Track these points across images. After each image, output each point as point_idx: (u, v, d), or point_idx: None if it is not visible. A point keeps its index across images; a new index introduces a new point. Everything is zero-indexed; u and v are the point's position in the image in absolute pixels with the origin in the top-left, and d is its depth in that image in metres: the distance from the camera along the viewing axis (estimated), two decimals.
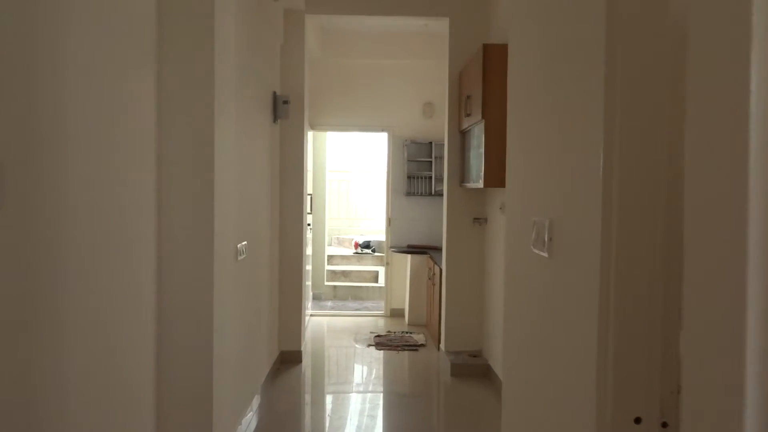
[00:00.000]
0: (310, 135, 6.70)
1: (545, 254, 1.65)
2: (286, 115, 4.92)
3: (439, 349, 5.74)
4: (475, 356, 5.25)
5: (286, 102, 4.87)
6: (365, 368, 5.56)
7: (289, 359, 5.29)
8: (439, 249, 6.55)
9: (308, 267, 6.45)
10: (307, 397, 4.80)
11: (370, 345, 6.04)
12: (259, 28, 4.06)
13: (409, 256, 7.02)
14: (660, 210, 1.28)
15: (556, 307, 1.62)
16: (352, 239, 9.93)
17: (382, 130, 7.40)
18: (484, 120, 4.27)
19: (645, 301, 1.29)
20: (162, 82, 2.26)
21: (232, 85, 2.66)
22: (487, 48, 4.29)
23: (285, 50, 5.17)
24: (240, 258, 3.26)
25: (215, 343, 2.35)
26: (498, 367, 4.74)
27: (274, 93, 4.81)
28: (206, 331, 2.32)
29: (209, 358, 2.33)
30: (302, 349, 5.43)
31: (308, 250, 6.35)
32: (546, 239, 1.63)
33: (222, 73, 2.42)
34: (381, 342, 6.09)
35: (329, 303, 8.28)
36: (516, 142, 2.10)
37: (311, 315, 7.16)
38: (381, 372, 5.46)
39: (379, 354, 5.80)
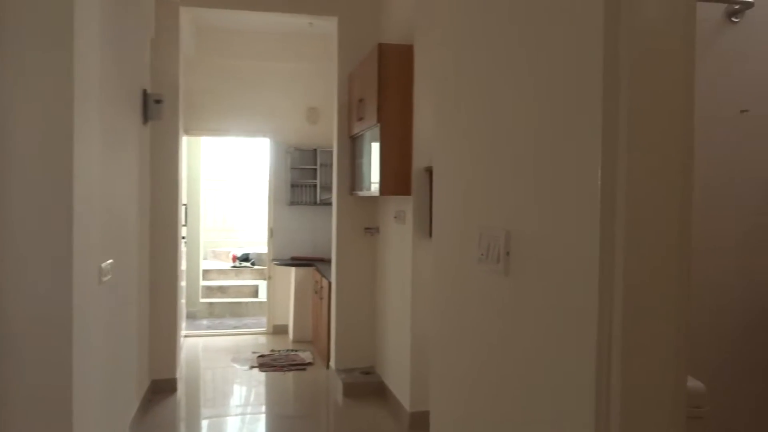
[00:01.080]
0: (183, 140, 6.13)
1: (500, 273, 1.38)
2: (158, 116, 4.38)
3: (328, 367, 5.39)
4: (367, 373, 4.96)
5: (158, 101, 4.34)
6: (248, 392, 5.09)
7: (162, 389, 4.71)
8: (325, 261, 6.21)
9: (182, 283, 5.88)
10: (183, 430, 4.27)
11: (252, 366, 5.57)
12: (125, 17, 3.54)
13: (293, 268, 6.62)
14: (676, 224, 1.05)
15: (518, 343, 1.35)
16: (230, 252, 9.33)
17: (264, 136, 6.96)
18: (379, 124, 4.01)
19: (662, 345, 1.06)
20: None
21: (94, 72, 2.19)
22: (383, 48, 4.04)
23: (157, 45, 4.63)
24: (104, 279, 2.74)
25: (75, 392, 1.87)
26: (393, 384, 4.49)
27: (144, 91, 4.27)
28: (63, 376, 1.83)
29: (67, 410, 1.85)
30: (177, 376, 4.87)
31: (182, 265, 5.78)
32: (501, 254, 1.36)
33: (83, 61, 1.96)
34: (265, 363, 5.64)
35: (205, 321, 7.66)
36: (448, 137, 1.82)
37: (185, 336, 6.55)
38: (265, 395, 5.02)
39: (262, 376, 5.35)
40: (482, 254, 1.45)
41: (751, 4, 2.27)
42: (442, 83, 1.87)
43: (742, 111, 2.30)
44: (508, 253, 1.35)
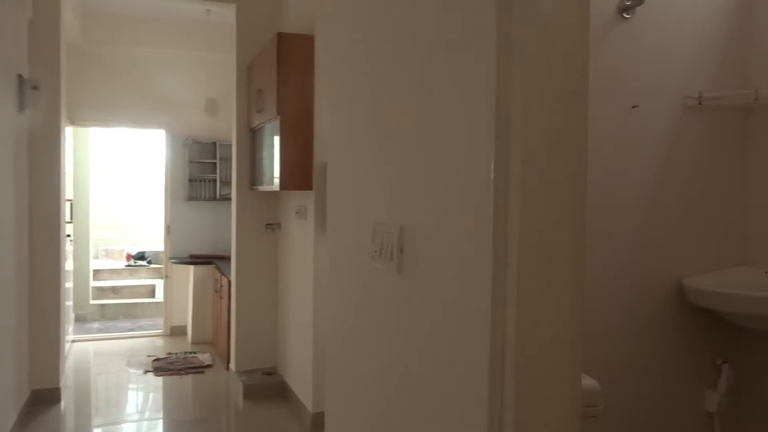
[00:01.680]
0: (69, 131, 5.72)
1: (394, 271, 1.31)
2: (35, 103, 4.04)
3: (228, 368, 5.20)
4: (269, 374, 4.81)
5: (35, 87, 4.00)
6: (143, 398, 4.82)
7: (43, 399, 4.36)
8: (226, 258, 5.98)
9: (68, 284, 5.48)
10: None
11: (147, 371, 5.28)
12: None
13: (191, 267, 6.34)
14: (571, 220, 1.01)
15: (412, 343, 1.29)
16: (123, 250, 8.84)
17: (159, 128, 6.61)
18: (279, 116, 3.87)
19: (556, 343, 1.02)
20: None
21: None
22: (282, 38, 3.90)
23: (36, 27, 4.26)
24: None
25: None
26: (295, 385, 4.37)
27: (20, 76, 3.91)
28: None
29: None
30: (61, 384, 4.52)
31: (68, 265, 5.39)
32: (394, 251, 1.29)
33: None
34: (161, 366, 5.36)
35: (96, 325, 7.21)
36: (342, 130, 1.74)
37: (73, 341, 6.13)
38: (162, 400, 4.77)
39: (159, 381, 5.08)
40: (376, 251, 1.38)
41: (641, 1, 2.34)
42: (337, 74, 1.78)
43: (632, 106, 2.37)
44: (401, 250, 1.28)
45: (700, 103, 2.50)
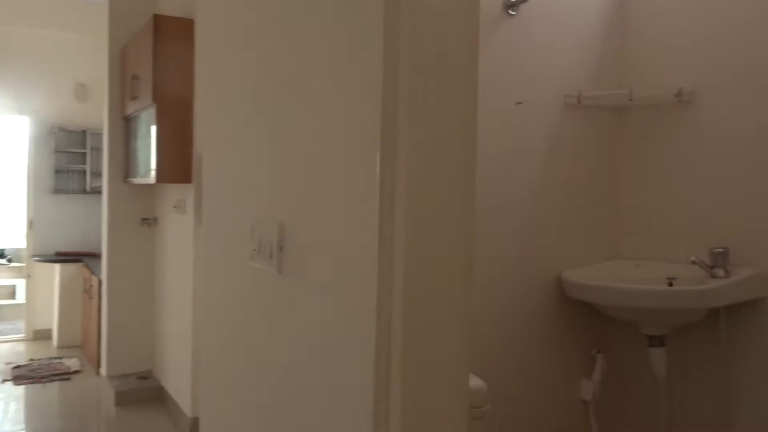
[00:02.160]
0: None
1: (273, 270, 1.21)
2: None
3: (99, 374, 4.83)
4: (144, 378, 4.52)
5: None
6: (1, 410, 4.37)
7: None
8: (97, 256, 5.56)
9: None
10: None
11: (5, 380, 4.80)
12: None
13: (57, 265, 5.84)
14: (459, 218, 0.96)
15: (293, 346, 1.19)
16: None
17: (21, 114, 6.04)
18: (155, 104, 3.62)
19: (444, 344, 0.96)
20: None
21: None
22: (159, 20, 3.65)
23: None
24: None
25: None
26: (173, 389, 4.13)
27: None
28: None
29: None
30: None
31: None
32: (274, 250, 1.19)
33: None
34: (21, 374, 4.90)
35: None
36: (221, 117, 1.60)
37: None
38: (24, 411, 4.35)
39: (19, 390, 4.64)
40: (254, 249, 1.27)
41: None
42: (215, 60, 1.65)
43: (517, 103, 2.40)
44: (281, 249, 1.18)
45: (579, 102, 2.57)
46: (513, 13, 2.37)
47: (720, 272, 2.34)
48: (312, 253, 1.12)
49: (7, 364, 5.19)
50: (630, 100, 2.62)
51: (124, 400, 4.28)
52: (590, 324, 2.72)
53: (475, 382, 1.75)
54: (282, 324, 1.24)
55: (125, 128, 4.47)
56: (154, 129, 3.67)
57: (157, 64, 3.61)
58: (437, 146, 1.01)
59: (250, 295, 1.38)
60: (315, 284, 1.12)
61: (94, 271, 5.01)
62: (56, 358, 5.40)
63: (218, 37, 1.65)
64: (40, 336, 6.06)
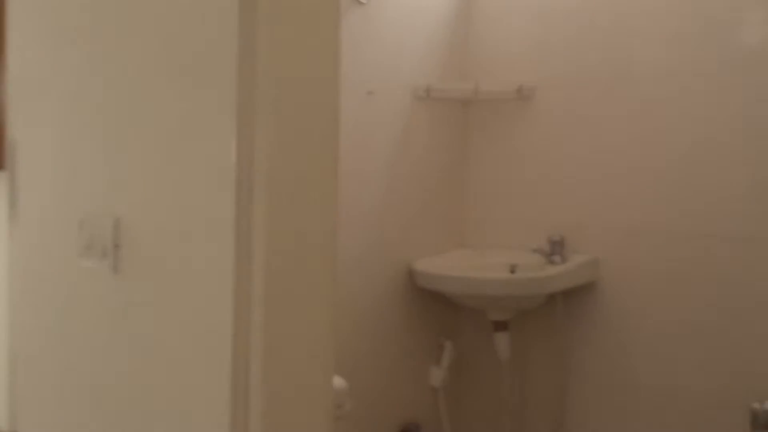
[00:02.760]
0: None
1: (108, 270, 1.06)
2: None
3: None
4: None
5: None
6: None
7: None
8: None
9: None
10: None
11: None
12: None
13: None
14: (320, 212, 0.88)
15: (133, 355, 1.05)
16: None
17: None
18: None
19: (307, 345, 0.88)
20: None
21: None
22: None
23: None
24: None
25: None
26: None
27: None
28: None
29: None
30: None
31: None
32: (109, 247, 1.04)
33: None
34: None
35: None
36: (37, 89, 1.39)
37: None
38: None
39: None
40: (85, 247, 1.11)
41: None
42: (36, 18, 1.43)
43: (368, 93, 2.36)
44: (117, 246, 1.04)
45: (428, 95, 2.60)
46: (364, 1, 2.33)
47: (557, 259, 2.49)
48: (157, 251, 1.00)
49: None
50: (475, 94, 2.70)
51: None
52: (440, 312, 2.78)
53: (335, 381, 1.69)
54: (120, 332, 1.09)
55: None
56: None
57: None
58: (298, 134, 0.93)
59: (79, 297, 1.21)
60: (159, 285, 0.99)
61: None
62: None
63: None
64: None
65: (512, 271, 2.55)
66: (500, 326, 2.56)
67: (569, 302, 2.57)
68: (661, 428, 2.37)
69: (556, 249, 2.50)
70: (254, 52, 0.88)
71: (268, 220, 0.86)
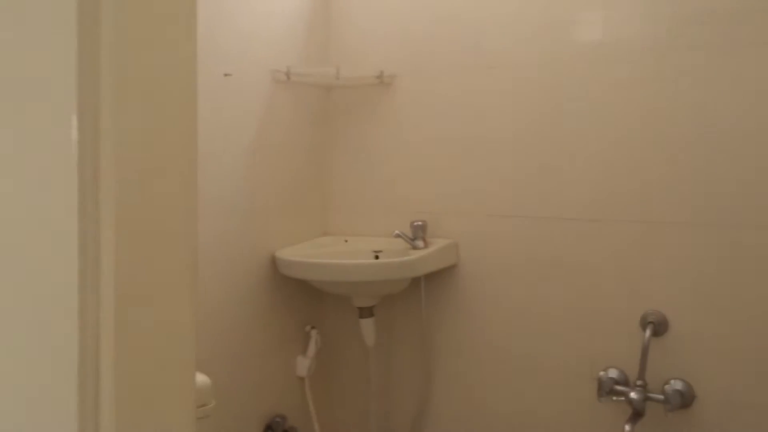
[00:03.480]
0: None
1: None
2: None
3: None
4: None
5: None
6: None
7: None
8: None
9: None
10: None
11: None
12: None
13: None
14: (179, 195, 0.80)
15: None
16: None
17: None
18: None
19: (166, 341, 0.79)
20: None
21: None
22: None
23: None
24: None
25: None
26: None
27: None
28: None
29: None
30: None
31: None
32: None
33: None
34: None
35: None
36: None
37: None
38: None
39: None
40: None
41: None
42: None
43: (225, 74, 2.25)
44: None
45: (288, 78, 2.53)
46: None
47: (420, 243, 2.53)
48: None
49: None
50: (337, 79, 2.67)
51: None
52: (306, 301, 2.73)
53: (198, 378, 1.60)
54: None
55: None
56: None
57: None
58: (150, 108, 0.84)
59: None
60: None
61: None
62: None
63: None
64: None
65: (376, 257, 2.56)
66: (366, 312, 2.57)
67: (431, 285, 2.63)
68: (521, 397, 2.50)
69: (418, 234, 2.54)
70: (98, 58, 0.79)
71: (117, 206, 0.77)
